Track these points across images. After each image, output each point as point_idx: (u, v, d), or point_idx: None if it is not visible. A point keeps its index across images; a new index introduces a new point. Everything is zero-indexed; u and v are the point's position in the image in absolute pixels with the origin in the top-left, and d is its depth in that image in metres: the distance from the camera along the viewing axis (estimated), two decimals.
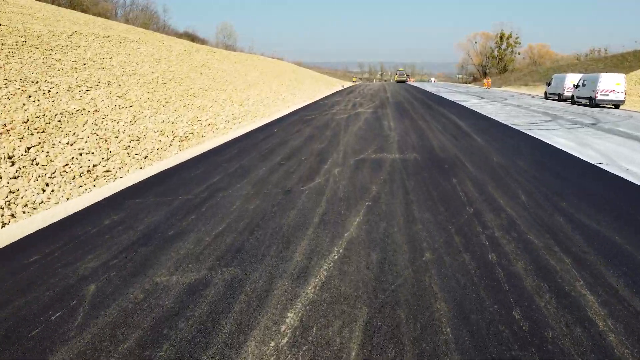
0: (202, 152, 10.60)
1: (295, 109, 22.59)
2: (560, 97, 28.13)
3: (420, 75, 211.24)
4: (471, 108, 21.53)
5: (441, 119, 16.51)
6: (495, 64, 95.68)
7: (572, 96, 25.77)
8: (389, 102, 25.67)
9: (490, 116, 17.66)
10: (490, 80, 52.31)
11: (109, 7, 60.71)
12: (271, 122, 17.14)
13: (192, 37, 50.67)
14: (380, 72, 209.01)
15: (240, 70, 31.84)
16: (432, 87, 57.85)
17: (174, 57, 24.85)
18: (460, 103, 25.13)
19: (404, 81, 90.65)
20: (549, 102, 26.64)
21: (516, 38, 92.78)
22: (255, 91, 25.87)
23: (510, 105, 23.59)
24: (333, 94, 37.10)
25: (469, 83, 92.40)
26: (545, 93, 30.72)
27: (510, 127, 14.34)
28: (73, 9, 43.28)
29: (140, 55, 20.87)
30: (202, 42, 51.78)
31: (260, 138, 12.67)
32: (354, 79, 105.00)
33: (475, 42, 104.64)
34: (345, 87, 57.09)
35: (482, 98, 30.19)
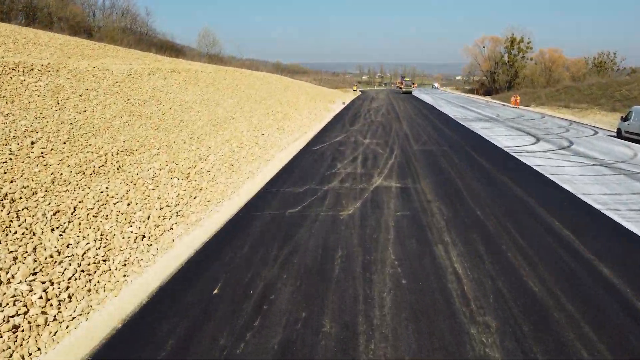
0: None
1: (277, 169, 14.91)
2: None
3: (420, 78, 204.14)
4: (560, 184, 13.19)
5: (550, 244, 8.77)
6: (505, 70, 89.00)
7: None
8: (416, 156, 17.73)
9: (620, 222, 9.84)
10: (519, 98, 44.25)
11: (78, 9, 53.03)
12: (229, 220, 9.67)
13: (166, 47, 42.64)
14: (379, 74, 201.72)
15: (210, 98, 24.01)
16: (449, 105, 49.99)
17: (104, 88, 17.05)
18: (522, 159, 17.12)
19: (410, 92, 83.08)
20: None
21: (528, 42, 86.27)
22: (224, 135, 18.11)
23: (603, 168, 15.39)
24: (333, 123, 29.41)
25: (480, 94, 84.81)
26: (619, 130, 22.79)
27: None
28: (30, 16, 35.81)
29: (28, 96, 13.10)
30: (178, 52, 43.84)
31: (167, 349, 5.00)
32: (354, 88, 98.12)
33: (484, 47, 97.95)
34: (346, 103, 49.54)
35: (538, 140, 22.10)
